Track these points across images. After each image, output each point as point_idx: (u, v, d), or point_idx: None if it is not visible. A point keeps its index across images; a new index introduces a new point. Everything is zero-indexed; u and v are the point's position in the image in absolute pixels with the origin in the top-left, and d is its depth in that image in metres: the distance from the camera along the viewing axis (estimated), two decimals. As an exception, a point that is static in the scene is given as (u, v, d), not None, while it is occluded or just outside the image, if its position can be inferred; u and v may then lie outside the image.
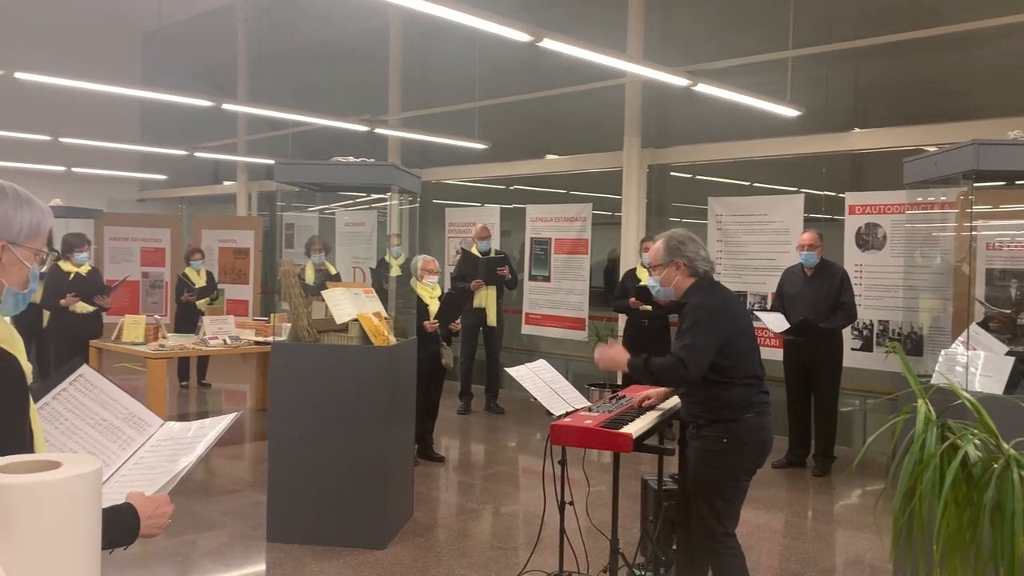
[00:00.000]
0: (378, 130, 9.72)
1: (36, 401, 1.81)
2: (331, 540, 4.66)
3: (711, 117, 8.10)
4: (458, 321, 6.72)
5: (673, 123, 8.81)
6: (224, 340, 7.46)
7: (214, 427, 1.87)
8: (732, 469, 3.28)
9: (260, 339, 7.73)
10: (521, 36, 4.80)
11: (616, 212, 8.92)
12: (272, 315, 8.04)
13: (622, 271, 8.36)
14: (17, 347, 1.54)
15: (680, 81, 6.27)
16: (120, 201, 15.47)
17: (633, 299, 7.26)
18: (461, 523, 5.27)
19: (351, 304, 4.75)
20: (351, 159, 4.69)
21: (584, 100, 9.11)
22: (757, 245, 7.64)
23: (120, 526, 1.59)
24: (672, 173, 8.91)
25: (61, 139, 10.81)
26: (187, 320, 8.78)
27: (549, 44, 4.99)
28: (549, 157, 9.90)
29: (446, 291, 7.02)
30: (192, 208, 15.70)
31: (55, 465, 1.15)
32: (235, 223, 12.37)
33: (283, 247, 10.93)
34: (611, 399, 3.94)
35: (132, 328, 7.43)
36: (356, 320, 4.74)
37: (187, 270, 9.24)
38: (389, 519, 4.81)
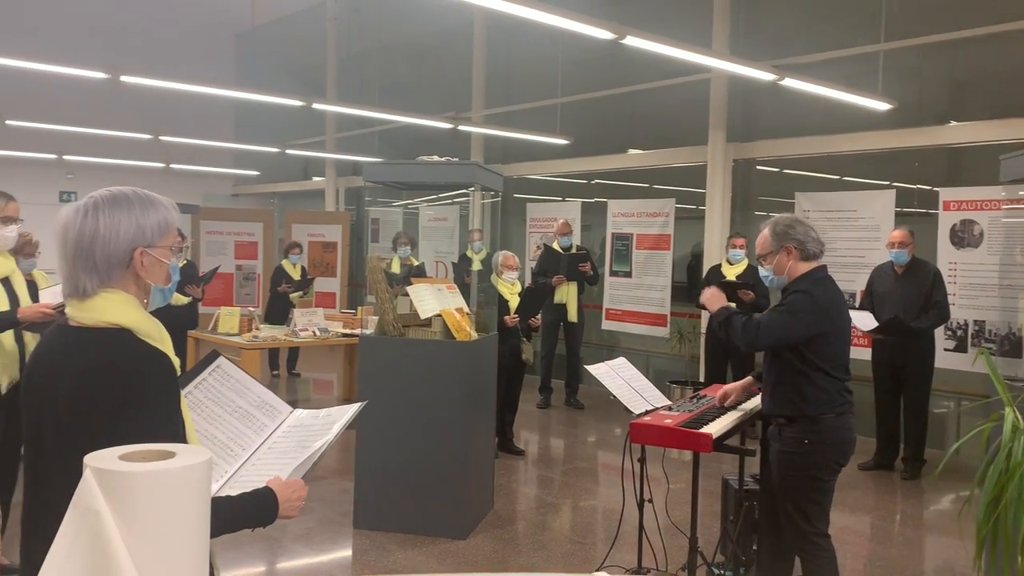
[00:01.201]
0: (461, 127, 9.85)
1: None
2: (414, 529, 4.79)
3: (799, 110, 7.93)
4: (538, 316, 6.78)
5: (759, 117, 8.65)
6: (314, 332, 7.72)
7: (343, 415, 1.98)
8: (815, 470, 3.25)
9: (347, 331, 7.96)
10: (604, 34, 4.81)
11: (700, 207, 8.83)
12: (359, 308, 8.28)
13: (706, 267, 8.28)
14: (166, 343, 1.67)
15: (766, 76, 6.17)
16: (215, 196, 16.07)
17: (717, 295, 7.16)
18: (541, 516, 5.33)
19: (435, 300, 4.86)
20: (436, 158, 4.79)
21: (667, 94, 9.03)
22: (846, 242, 7.46)
23: (261, 508, 1.74)
24: (758, 167, 8.76)
25: (161, 137, 11.34)
26: (277, 311, 9.10)
27: (632, 41, 4.98)
28: (631, 152, 9.85)
29: (526, 286, 7.09)
30: (283, 203, 16.20)
31: (170, 455, 1.25)
32: (324, 218, 12.72)
33: (369, 241, 11.19)
34: (692, 398, 3.93)
35: (227, 319, 7.75)
36: (439, 315, 4.85)
37: (284, 262, 9.58)
38: (470, 510, 4.91)
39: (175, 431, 1.60)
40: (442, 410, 4.75)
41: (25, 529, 1.64)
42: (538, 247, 9.30)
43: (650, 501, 3.79)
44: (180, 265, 6.89)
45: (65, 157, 13.62)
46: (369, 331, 5.40)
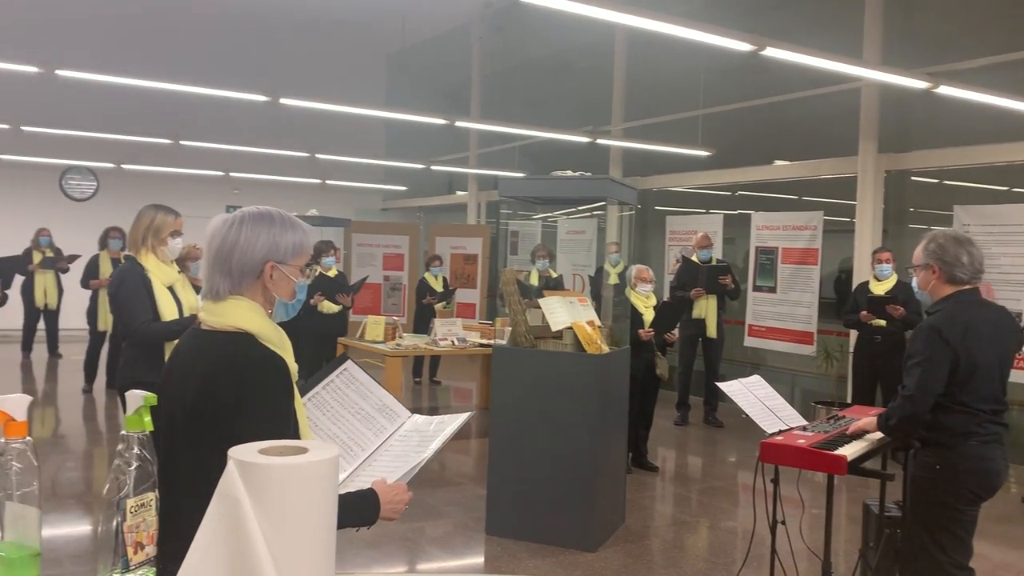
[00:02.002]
0: (599, 141, 9.89)
1: (308, 391, 2.11)
2: (544, 538, 4.84)
3: (959, 119, 7.47)
4: (675, 331, 6.71)
5: (915, 126, 8.21)
6: (452, 341, 7.95)
7: (451, 424, 2.07)
8: (947, 497, 3.06)
9: (484, 341, 8.15)
10: (743, 46, 4.73)
11: (850, 219, 8.47)
12: (495, 319, 8.46)
13: (855, 283, 7.93)
14: (286, 350, 1.81)
15: (919, 84, 5.87)
16: (366, 210, 16.82)
17: (864, 312, 6.87)
18: (673, 533, 5.27)
19: (566, 312, 4.92)
20: (569, 173, 4.86)
21: (815, 104, 8.73)
22: (1011, 258, 6.95)
23: (365, 508, 1.83)
24: (913, 179, 8.32)
25: (317, 155, 12.03)
26: (424, 321, 9.46)
27: (772, 52, 4.87)
28: (777, 163, 9.58)
29: (663, 300, 7.02)
30: (428, 216, 16.76)
31: (303, 450, 1.37)
32: (465, 231, 13.08)
33: (508, 254, 11.38)
34: (829, 419, 3.80)
35: (373, 327, 8.12)
36: (570, 328, 4.90)
37: (426, 275, 9.96)
38: (600, 523, 4.92)
39: (287, 432, 1.70)
40: (573, 421, 4.79)
41: (159, 516, 1.81)
42: (677, 260, 9.18)
43: (782, 523, 3.68)
44: (332, 275, 7.34)
45: (231, 174, 14.64)
46: (503, 342, 5.52)
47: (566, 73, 12.96)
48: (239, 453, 1.36)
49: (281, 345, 1.80)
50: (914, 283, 3.32)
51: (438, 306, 9.68)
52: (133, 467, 1.35)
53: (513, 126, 10.75)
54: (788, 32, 8.80)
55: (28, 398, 1.34)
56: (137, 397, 1.40)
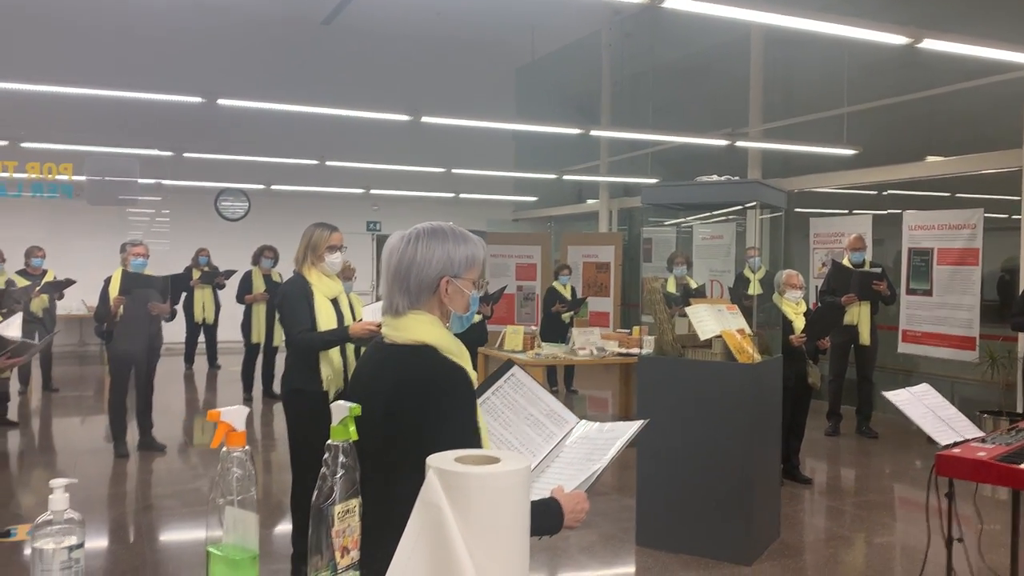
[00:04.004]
0: (738, 143, 9.66)
1: (479, 397, 2.15)
2: (697, 550, 4.75)
3: None
4: (827, 338, 6.45)
5: (1088, 113, 7.60)
6: (591, 351, 7.94)
7: (625, 432, 2.04)
8: None
9: (623, 350, 8.09)
10: (898, 39, 4.52)
11: (1014, 215, 7.91)
12: (634, 327, 8.38)
13: (1022, 284, 7.40)
14: (465, 359, 1.86)
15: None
16: (498, 221, 17.06)
17: (1035, 316, 6.40)
18: (831, 549, 5.06)
19: (715, 321, 4.82)
20: (715, 177, 4.77)
21: (971, 96, 8.23)
22: None
23: (549, 517, 1.83)
24: (1088, 170, 7.69)
25: (452, 170, 12.32)
26: (551, 330, 9.49)
27: (931, 44, 4.62)
28: (930, 159, 9.07)
29: (816, 307, 6.76)
30: (559, 226, 16.81)
31: (495, 460, 1.40)
32: (597, 239, 13.05)
33: (642, 261, 11.28)
34: (1010, 430, 3.55)
35: (512, 337, 8.22)
36: (719, 336, 4.80)
37: (555, 284, 10.01)
38: (755, 536, 4.78)
39: (473, 438, 1.74)
40: (724, 432, 4.68)
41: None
42: (824, 264, 8.84)
43: (960, 540, 3.47)
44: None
45: (371, 191, 15.18)
46: (645, 351, 5.47)
47: (699, 76, 12.74)
48: (438, 461, 1.40)
49: (461, 356, 1.85)
50: None
51: (565, 315, 9.69)
52: (339, 475, 1.42)
53: (645, 132, 10.67)
54: (937, 21, 8.33)
55: (246, 410, 1.43)
56: (342, 408, 1.47)
